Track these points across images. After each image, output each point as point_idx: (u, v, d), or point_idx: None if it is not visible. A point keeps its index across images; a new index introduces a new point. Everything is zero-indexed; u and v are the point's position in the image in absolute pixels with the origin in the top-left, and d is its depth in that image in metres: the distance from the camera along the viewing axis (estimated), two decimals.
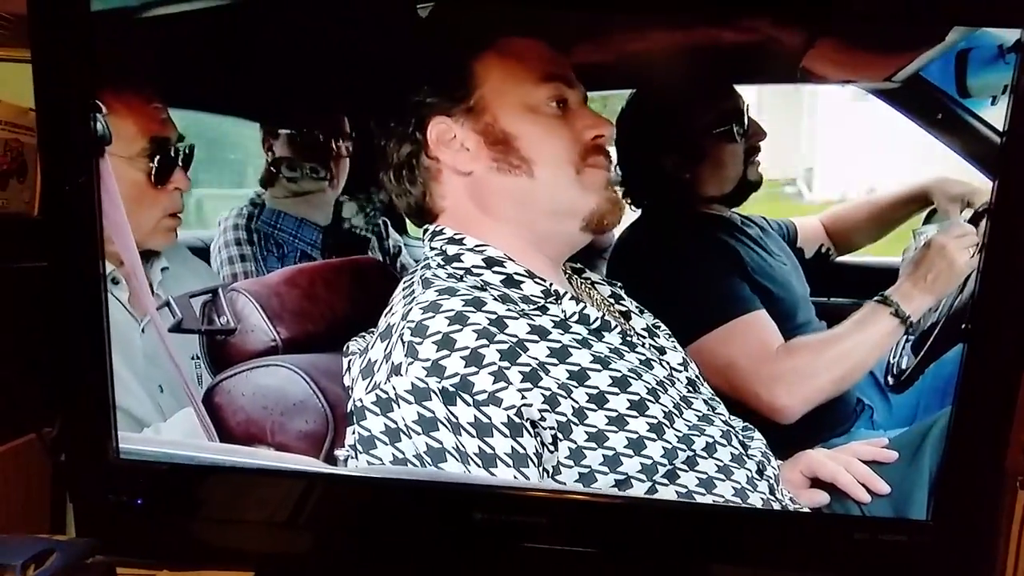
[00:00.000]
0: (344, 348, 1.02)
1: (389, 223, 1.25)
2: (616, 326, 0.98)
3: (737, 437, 1.01)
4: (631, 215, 1.14)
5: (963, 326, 0.99)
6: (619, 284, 1.10)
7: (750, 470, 0.98)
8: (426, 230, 1.01)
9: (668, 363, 1.02)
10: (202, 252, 1.20)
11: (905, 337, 1.09)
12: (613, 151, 1.03)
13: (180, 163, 1.09)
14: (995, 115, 0.93)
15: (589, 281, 1.07)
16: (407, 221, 1.25)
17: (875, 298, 1.08)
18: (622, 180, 1.11)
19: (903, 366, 1.12)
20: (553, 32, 0.98)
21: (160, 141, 1.07)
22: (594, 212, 0.97)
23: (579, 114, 0.98)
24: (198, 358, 1.08)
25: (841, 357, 1.08)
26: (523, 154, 0.96)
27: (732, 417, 1.04)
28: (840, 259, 1.20)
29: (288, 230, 1.21)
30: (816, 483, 1.03)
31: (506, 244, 0.97)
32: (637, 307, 1.07)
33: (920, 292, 1.07)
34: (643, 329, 1.03)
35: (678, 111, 1.12)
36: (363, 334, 1.03)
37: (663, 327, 1.07)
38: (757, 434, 1.05)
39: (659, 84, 1.08)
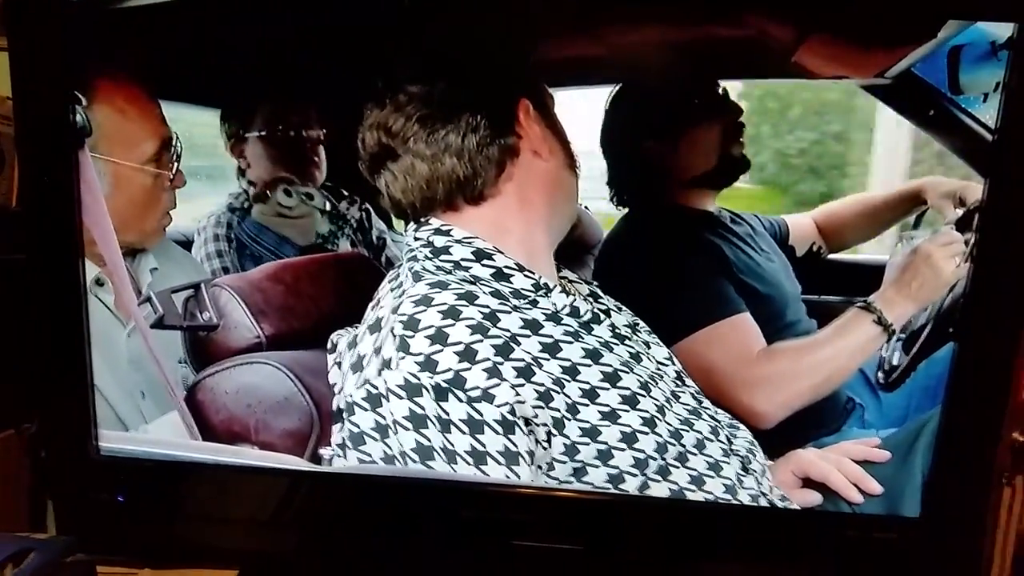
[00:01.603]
0: (328, 343, 1.00)
1: (372, 211, 1.24)
2: (604, 319, 0.98)
3: (724, 431, 1.00)
4: (619, 212, 1.14)
5: (950, 330, 0.99)
6: (596, 283, 1.09)
7: (736, 466, 0.98)
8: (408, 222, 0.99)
9: (654, 357, 1.01)
10: (186, 246, 1.18)
11: (896, 336, 1.09)
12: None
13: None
14: (987, 113, 0.93)
15: (567, 279, 1.06)
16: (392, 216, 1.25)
17: (858, 304, 1.08)
18: (609, 178, 1.11)
19: (894, 363, 1.12)
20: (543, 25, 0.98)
21: (167, 143, 1.07)
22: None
23: None
24: (184, 362, 1.07)
25: (821, 363, 1.08)
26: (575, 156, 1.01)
27: (718, 411, 1.04)
28: (832, 257, 1.20)
29: (267, 245, 1.20)
30: (808, 483, 1.02)
31: (543, 232, 0.98)
32: (615, 304, 1.06)
33: (904, 300, 1.07)
34: (625, 326, 1.02)
35: (663, 100, 1.12)
36: (347, 328, 1.01)
37: (642, 324, 1.06)
38: (742, 429, 1.05)
39: (649, 78, 1.07)
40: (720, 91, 1.09)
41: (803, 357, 1.09)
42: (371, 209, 1.24)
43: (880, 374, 1.14)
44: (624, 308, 1.06)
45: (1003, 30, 0.90)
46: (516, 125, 0.95)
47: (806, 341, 1.10)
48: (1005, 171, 0.92)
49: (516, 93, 0.96)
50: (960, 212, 1.04)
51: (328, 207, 1.23)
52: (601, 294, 1.07)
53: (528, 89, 0.97)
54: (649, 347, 1.02)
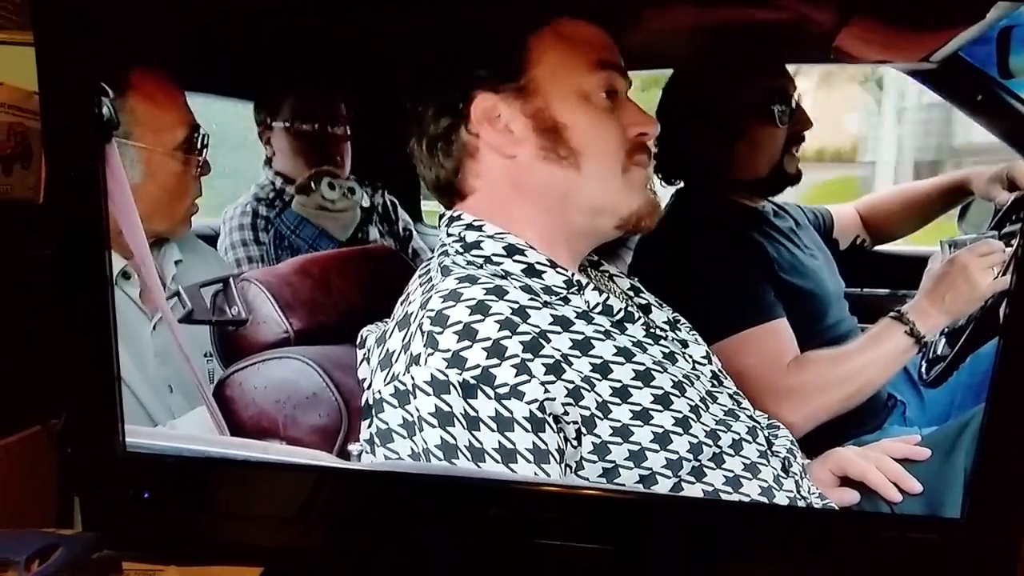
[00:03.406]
0: (358, 338, 0.99)
1: (398, 204, 1.23)
2: (639, 318, 0.95)
3: (763, 432, 0.98)
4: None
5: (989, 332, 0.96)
6: (636, 279, 1.06)
7: (775, 467, 0.95)
8: (442, 216, 0.98)
9: (691, 356, 0.99)
10: (211, 240, 1.18)
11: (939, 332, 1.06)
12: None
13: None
14: None
15: (607, 274, 1.05)
16: (421, 209, 1.24)
17: (891, 314, 1.05)
18: (657, 153, 1.08)
19: (939, 352, 1.09)
20: (602, 11, 0.94)
21: (196, 128, 1.07)
22: (633, 213, 0.94)
23: (626, 108, 0.94)
24: (210, 356, 1.07)
25: (852, 375, 1.05)
26: (572, 145, 0.91)
27: (757, 412, 1.02)
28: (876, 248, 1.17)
29: (306, 238, 1.20)
30: (846, 482, 1.00)
31: (535, 232, 0.94)
32: (656, 301, 1.04)
33: (937, 311, 1.04)
34: (664, 322, 1.00)
35: (715, 89, 1.09)
36: (377, 323, 1.00)
37: (683, 320, 1.04)
38: (783, 429, 1.02)
39: (690, 64, 1.05)
40: (796, 95, 1.05)
41: (834, 368, 1.06)
42: (396, 200, 1.23)
43: (924, 364, 1.11)
44: (665, 305, 1.04)
45: None
46: (466, 122, 0.93)
47: (837, 351, 1.07)
48: None
49: (468, 88, 0.93)
50: (1011, 196, 1.00)
51: (367, 202, 1.22)
52: (642, 289, 1.04)
53: (497, 81, 0.93)
54: (687, 346, 1.00)
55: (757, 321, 1.07)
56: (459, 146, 0.94)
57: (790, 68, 1.05)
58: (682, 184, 1.12)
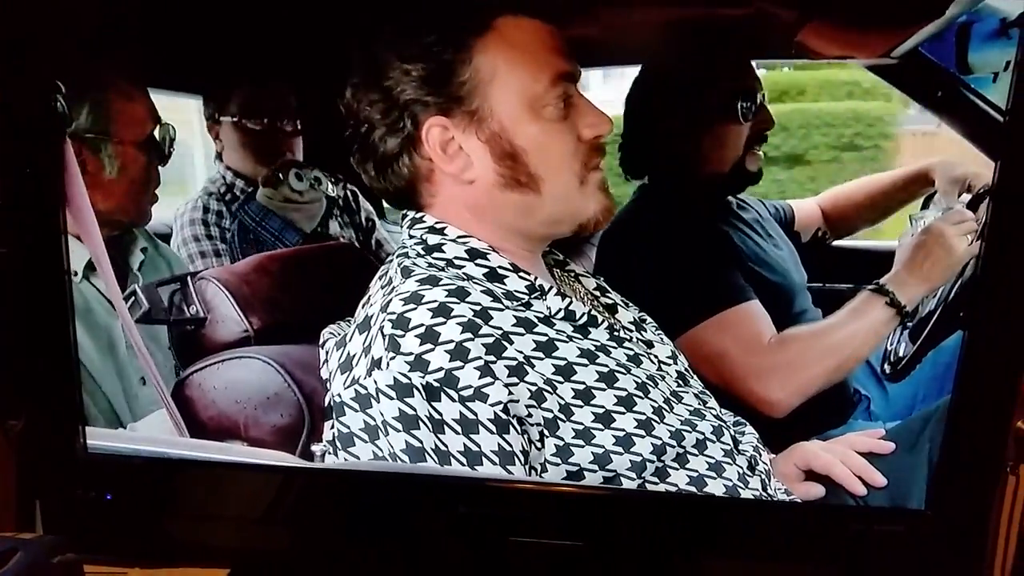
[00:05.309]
0: (320, 338, 0.98)
1: (359, 194, 1.22)
2: (603, 321, 0.94)
3: (728, 431, 0.98)
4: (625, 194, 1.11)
5: (961, 314, 0.96)
6: (601, 278, 1.06)
7: (741, 466, 0.95)
8: (404, 215, 0.96)
9: (656, 357, 0.98)
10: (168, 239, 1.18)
11: (903, 324, 1.06)
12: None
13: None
14: (997, 93, 0.90)
15: (572, 274, 1.04)
16: (384, 205, 1.23)
17: (870, 287, 1.06)
18: (622, 146, 1.07)
19: (900, 354, 1.10)
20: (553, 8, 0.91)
21: (159, 121, 1.09)
22: (591, 218, 0.92)
23: (579, 109, 0.91)
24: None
25: (835, 348, 1.06)
26: (532, 171, 0.89)
27: (723, 411, 1.01)
28: (837, 243, 1.18)
29: (272, 230, 1.20)
30: (811, 476, 1.01)
31: (491, 240, 0.92)
32: (623, 300, 1.03)
33: (916, 280, 1.04)
34: (630, 323, 1.00)
35: (682, 84, 1.08)
36: (339, 323, 0.99)
37: (649, 320, 1.03)
38: (749, 428, 1.02)
39: (651, 59, 1.04)
40: (760, 96, 1.05)
41: (816, 343, 1.07)
42: (357, 191, 1.22)
43: (886, 366, 1.12)
44: (631, 304, 1.03)
45: (1014, 6, 0.87)
46: (419, 147, 0.90)
47: (818, 326, 1.08)
48: (1016, 153, 0.89)
49: (418, 114, 0.89)
50: (967, 198, 1.01)
51: (333, 191, 1.21)
52: (608, 289, 1.04)
53: (450, 107, 0.89)
54: (652, 346, 0.99)
55: (732, 303, 1.07)
56: (411, 169, 0.91)
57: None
58: (646, 180, 1.12)
